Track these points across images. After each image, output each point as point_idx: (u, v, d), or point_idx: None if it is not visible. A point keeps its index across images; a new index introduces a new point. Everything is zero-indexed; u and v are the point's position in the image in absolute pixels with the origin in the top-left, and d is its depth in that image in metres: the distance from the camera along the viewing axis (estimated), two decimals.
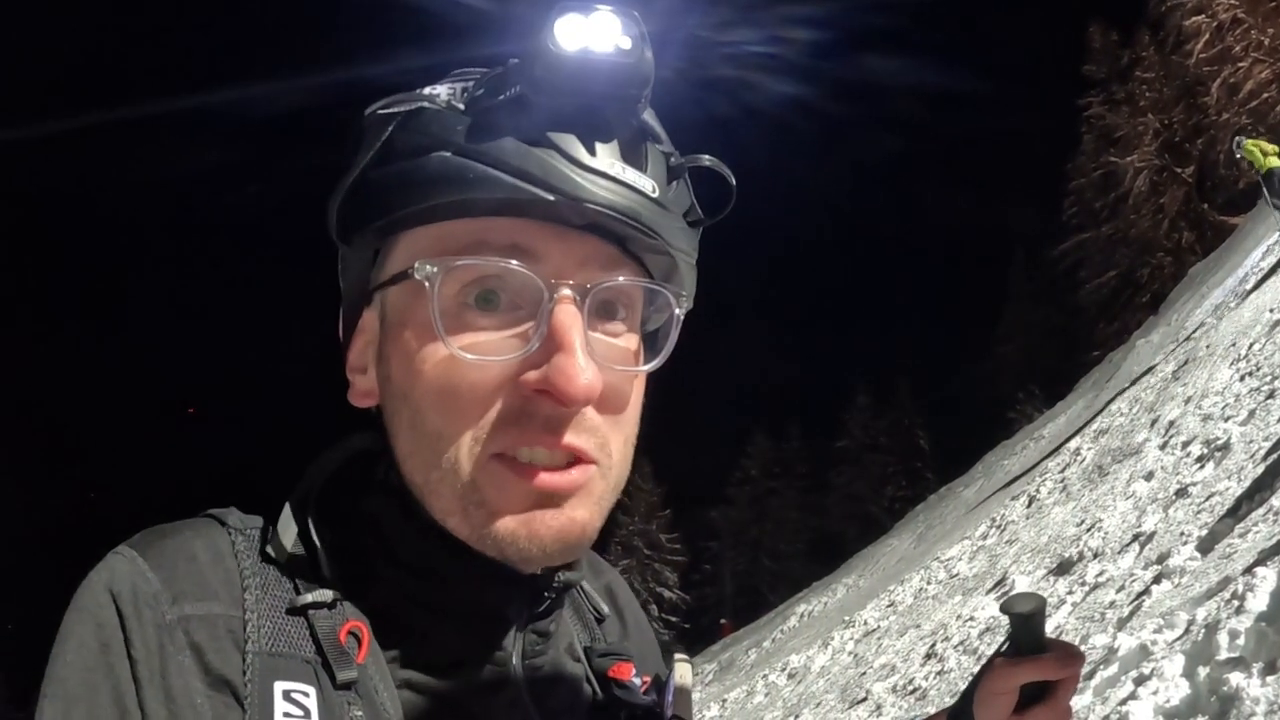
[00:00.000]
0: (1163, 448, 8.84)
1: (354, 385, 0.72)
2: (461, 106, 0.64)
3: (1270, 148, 14.86)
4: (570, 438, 0.63)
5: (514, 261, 0.62)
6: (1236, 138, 15.81)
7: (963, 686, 0.87)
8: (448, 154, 0.63)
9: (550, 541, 0.64)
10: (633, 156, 0.64)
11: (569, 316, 0.62)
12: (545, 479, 0.63)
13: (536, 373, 0.62)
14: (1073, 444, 13.35)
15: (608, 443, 0.66)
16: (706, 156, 0.70)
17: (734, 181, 0.70)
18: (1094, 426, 13.40)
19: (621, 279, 0.66)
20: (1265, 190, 15.14)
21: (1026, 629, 0.84)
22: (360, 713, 0.63)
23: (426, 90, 0.66)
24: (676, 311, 0.71)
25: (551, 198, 0.61)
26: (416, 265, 0.63)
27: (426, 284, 0.62)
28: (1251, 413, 7.40)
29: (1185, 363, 12.01)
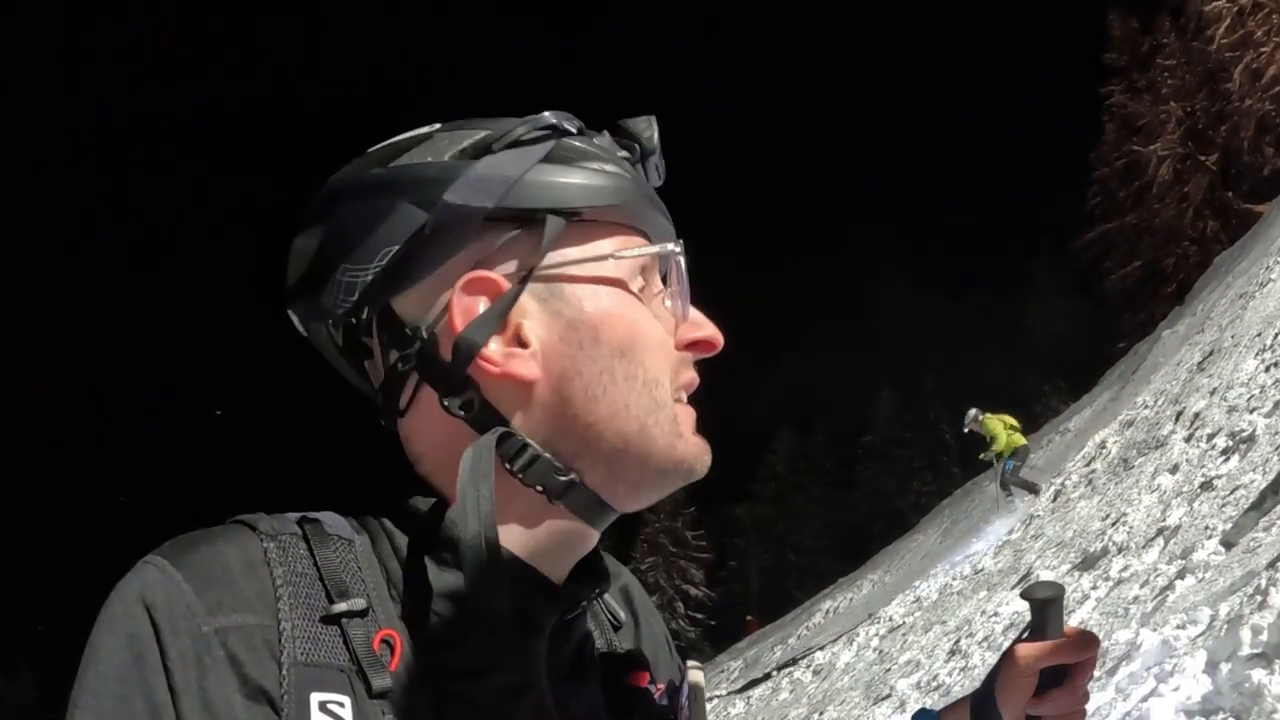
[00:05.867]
0: (1188, 440, 8.79)
1: (507, 363, 0.72)
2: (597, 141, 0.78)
3: (1010, 421, 13.96)
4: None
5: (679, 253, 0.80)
6: (972, 410, 14.45)
7: None
8: (619, 169, 0.76)
9: (709, 456, 0.80)
10: None
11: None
12: (693, 411, 0.79)
13: (687, 328, 0.79)
14: (1098, 437, 13.27)
15: None
16: None
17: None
18: (1120, 419, 13.31)
19: None
20: (1001, 472, 13.89)
21: (1046, 615, 0.88)
22: None
23: (548, 114, 0.76)
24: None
25: (670, 226, 0.81)
26: (669, 247, 0.78)
27: (678, 260, 0.78)
28: (1277, 404, 7.35)
29: (1210, 354, 11.91)
